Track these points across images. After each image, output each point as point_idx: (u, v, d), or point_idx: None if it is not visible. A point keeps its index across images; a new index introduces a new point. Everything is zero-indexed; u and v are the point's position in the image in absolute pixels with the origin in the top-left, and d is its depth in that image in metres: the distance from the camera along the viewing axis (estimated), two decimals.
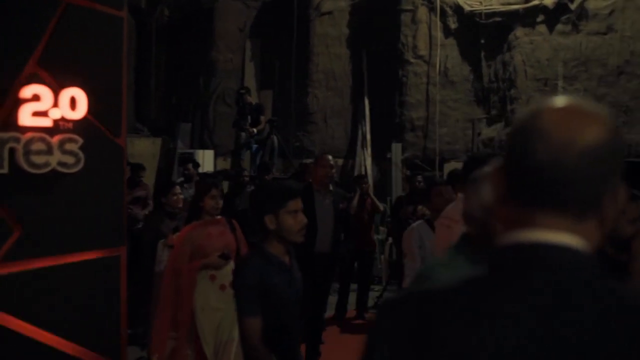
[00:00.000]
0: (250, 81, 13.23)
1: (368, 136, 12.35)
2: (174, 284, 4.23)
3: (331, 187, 5.39)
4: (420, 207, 7.84)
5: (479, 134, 11.43)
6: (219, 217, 4.52)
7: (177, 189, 5.68)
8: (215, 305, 4.24)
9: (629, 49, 10.42)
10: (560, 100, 1.00)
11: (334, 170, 5.42)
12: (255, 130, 10.50)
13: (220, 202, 4.46)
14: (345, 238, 5.98)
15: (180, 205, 5.63)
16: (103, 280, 3.72)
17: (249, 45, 13.66)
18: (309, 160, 6.92)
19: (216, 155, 12.50)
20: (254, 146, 10.67)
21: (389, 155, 11.69)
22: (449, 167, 11.40)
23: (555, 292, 0.89)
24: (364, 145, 12.41)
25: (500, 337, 0.88)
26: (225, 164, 13.07)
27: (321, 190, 5.31)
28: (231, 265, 4.36)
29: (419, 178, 8.03)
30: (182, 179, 10.29)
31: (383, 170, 11.88)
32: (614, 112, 10.42)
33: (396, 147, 11.62)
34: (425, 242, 4.50)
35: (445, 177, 5.86)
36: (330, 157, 5.39)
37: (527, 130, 0.97)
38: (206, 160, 11.60)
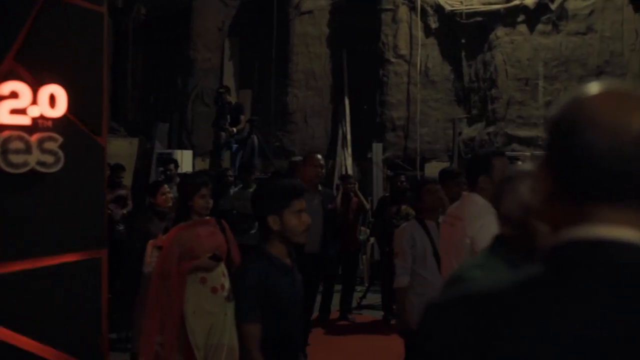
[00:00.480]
0: (229, 81, 13.09)
1: (348, 136, 12.29)
2: (163, 286, 4.09)
3: (320, 187, 5.28)
4: (404, 207, 7.79)
5: (460, 134, 11.42)
6: (208, 217, 4.36)
7: (166, 187, 5.53)
8: (207, 309, 4.09)
9: (608, 49, 10.48)
10: (600, 86, 0.93)
11: (323, 170, 5.32)
12: (235, 129, 10.37)
13: (211, 202, 4.32)
14: (333, 238, 5.87)
15: (170, 204, 5.50)
16: (83, 283, 3.62)
17: (227, 44, 13.52)
18: (297, 158, 6.76)
19: (195, 156, 12.34)
20: (234, 146, 10.53)
21: (369, 155, 11.63)
22: (430, 166, 11.39)
23: (622, 291, 0.83)
24: (344, 145, 12.34)
25: (568, 338, 0.82)
26: (203, 164, 12.92)
27: (310, 190, 5.20)
28: (222, 267, 4.23)
29: (402, 178, 7.97)
30: (162, 179, 10.15)
31: (364, 170, 11.81)
32: None
33: (377, 147, 11.57)
34: (417, 241, 4.43)
35: (425, 175, 5.80)
36: (319, 156, 5.29)
37: (574, 120, 0.90)
38: (185, 160, 11.43)
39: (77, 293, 3.55)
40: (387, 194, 8.03)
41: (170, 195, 5.51)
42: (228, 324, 3.93)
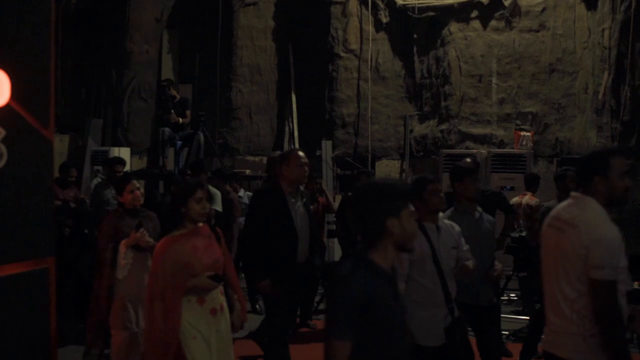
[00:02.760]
0: (168, 74, 12.36)
1: (296, 133, 11.82)
2: (160, 309, 3.47)
3: (301, 187, 4.75)
4: None
5: (412, 131, 11.12)
6: (201, 224, 3.75)
7: (135, 183, 4.81)
8: (206, 334, 3.53)
9: (560, 46, 10.39)
10: None
11: (308, 169, 4.76)
12: (180, 120, 9.67)
13: (208, 207, 3.72)
14: (317, 245, 5.32)
15: (141, 202, 4.84)
16: (28, 296, 3.06)
17: (166, 36, 12.80)
18: (277, 153, 6.16)
19: (131, 154, 11.59)
20: (178, 143, 9.85)
21: (318, 153, 11.19)
22: (381, 165, 11.05)
23: None
24: (291, 143, 11.86)
25: None
26: (141, 163, 12.19)
27: (292, 192, 4.66)
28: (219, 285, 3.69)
29: (364, 177, 7.53)
30: (99, 180, 9.39)
31: (313, 169, 11.32)
32: (546, 109, 10.37)
33: (326, 145, 11.14)
34: (415, 247, 3.99)
35: (425, 174, 5.33)
36: (302, 153, 4.75)
37: None
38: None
39: (22, 308, 2.99)
40: (349, 193, 7.56)
41: (141, 191, 4.83)
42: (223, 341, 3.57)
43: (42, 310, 3.16)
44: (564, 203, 3.01)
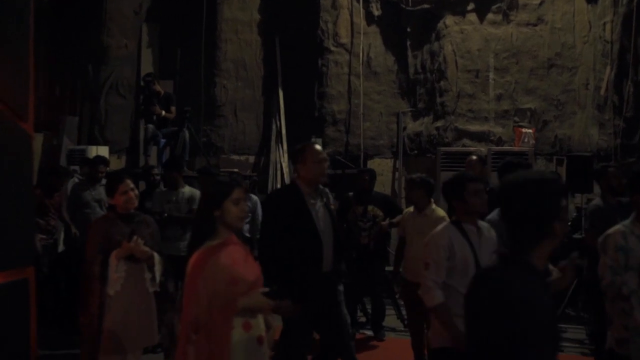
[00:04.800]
0: (148, 70, 11.76)
1: (283, 131, 11.32)
2: (205, 342, 2.80)
3: (320, 186, 4.23)
4: (370, 207, 6.91)
5: (405, 129, 10.68)
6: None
7: (129, 183, 4.20)
8: None
9: (559, 41, 10.05)
10: None
11: (327, 164, 4.25)
12: (164, 113, 9.10)
13: (247, 209, 3.17)
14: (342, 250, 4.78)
15: (136, 204, 4.25)
16: (5, 310, 2.57)
17: (145, 29, 12.20)
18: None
19: (110, 153, 10.99)
20: (162, 140, 9.29)
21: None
22: (373, 163, 10.60)
23: None
24: (279, 141, 11.35)
25: None
26: (119, 162, 11.59)
27: (311, 193, 4.14)
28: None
29: (366, 176, 7.08)
30: (75, 180, 8.84)
31: None
32: (545, 106, 10.02)
33: (316, 143, 10.64)
34: (456, 251, 3.53)
35: (464, 172, 4.97)
36: (319, 147, 4.25)
37: None
38: None
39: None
40: (350, 193, 7.12)
41: (135, 192, 4.24)
42: None
43: (22, 325, 2.70)
44: None
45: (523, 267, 1.97)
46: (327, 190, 4.87)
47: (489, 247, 3.65)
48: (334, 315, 4.12)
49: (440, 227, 3.74)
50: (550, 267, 3.86)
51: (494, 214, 4.17)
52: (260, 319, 3.03)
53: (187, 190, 6.94)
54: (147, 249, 4.05)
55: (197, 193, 6.90)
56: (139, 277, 4.05)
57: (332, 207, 4.46)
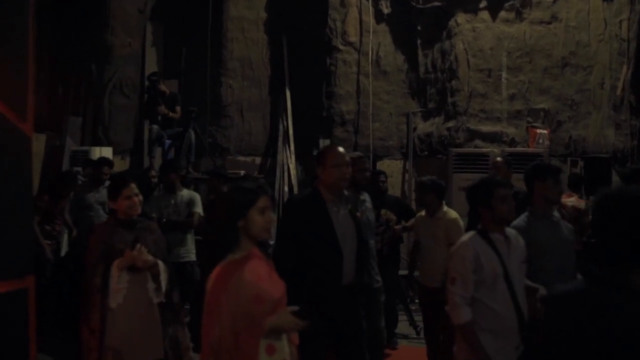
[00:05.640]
0: (152, 69, 11.55)
1: (290, 131, 11.08)
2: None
3: (345, 191, 3.97)
4: (383, 211, 6.68)
5: (415, 129, 10.44)
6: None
7: (133, 187, 3.94)
8: None
9: (574, 39, 9.80)
10: None
11: (350, 169, 3.98)
12: (170, 113, 8.88)
13: (274, 219, 2.92)
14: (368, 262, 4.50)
15: (139, 211, 4.00)
16: (5, 321, 2.40)
17: (149, 28, 11.98)
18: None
19: (113, 154, 10.79)
20: (167, 142, 9.06)
21: (315, 153, 10.44)
22: (383, 165, 10.37)
23: None
24: (285, 142, 11.12)
25: None
26: (123, 163, 11.37)
27: (334, 199, 3.88)
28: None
29: (382, 177, 6.85)
30: (78, 182, 8.62)
31: (309, 170, 10.61)
32: (559, 106, 9.78)
33: (324, 144, 10.41)
34: (484, 263, 3.29)
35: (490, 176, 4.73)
36: (342, 150, 4.00)
37: None
38: None
39: None
40: None
41: (139, 198, 3.98)
42: None
43: (21, 336, 2.51)
44: None
45: (623, 289, 1.75)
46: (366, 195, 4.60)
47: (517, 256, 3.42)
48: (351, 332, 3.85)
49: (465, 237, 3.50)
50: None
51: (520, 220, 3.94)
52: (284, 341, 2.76)
53: (185, 193, 6.75)
54: (150, 257, 3.82)
55: (196, 196, 6.71)
56: (142, 288, 3.81)
57: (358, 214, 4.16)
